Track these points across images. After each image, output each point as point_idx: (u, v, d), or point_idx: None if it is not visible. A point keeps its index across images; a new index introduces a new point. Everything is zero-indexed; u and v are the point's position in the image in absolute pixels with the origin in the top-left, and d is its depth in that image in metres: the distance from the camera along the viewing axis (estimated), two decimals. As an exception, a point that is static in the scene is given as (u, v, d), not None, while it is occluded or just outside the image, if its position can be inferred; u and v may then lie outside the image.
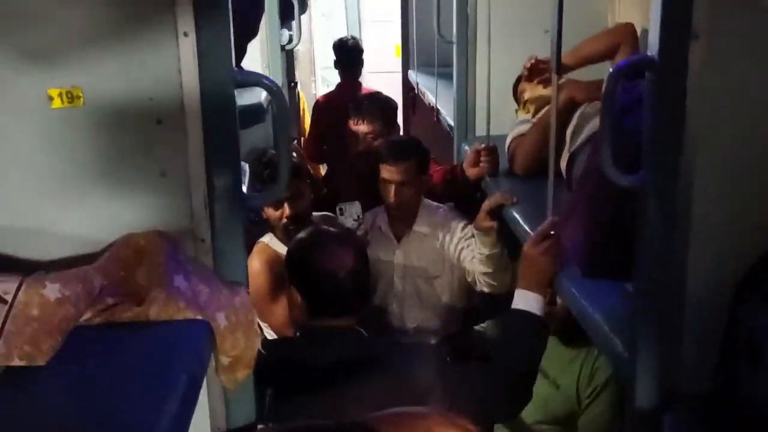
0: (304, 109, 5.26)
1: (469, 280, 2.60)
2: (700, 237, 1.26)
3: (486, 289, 2.53)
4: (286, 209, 2.51)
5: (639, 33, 2.52)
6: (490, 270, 2.45)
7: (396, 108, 3.30)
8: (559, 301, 2.19)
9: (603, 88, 1.32)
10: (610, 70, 2.63)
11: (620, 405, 2.44)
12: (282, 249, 2.38)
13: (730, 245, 1.27)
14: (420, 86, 4.19)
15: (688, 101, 1.22)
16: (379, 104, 3.19)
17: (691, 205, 1.25)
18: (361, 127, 3.11)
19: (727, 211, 1.26)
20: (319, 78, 7.00)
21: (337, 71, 4.31)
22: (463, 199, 2.80)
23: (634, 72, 1.35)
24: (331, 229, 2.06)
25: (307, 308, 1.85)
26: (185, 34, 1.14)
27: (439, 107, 3.59)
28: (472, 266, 2.52)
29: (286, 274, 1.93)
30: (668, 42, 1.21)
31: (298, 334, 1.94)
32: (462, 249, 2.61)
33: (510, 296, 1.98)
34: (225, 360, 1.13)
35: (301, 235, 1.97)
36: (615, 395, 2.42)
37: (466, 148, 2.89)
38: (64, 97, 1.14)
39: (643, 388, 1.37)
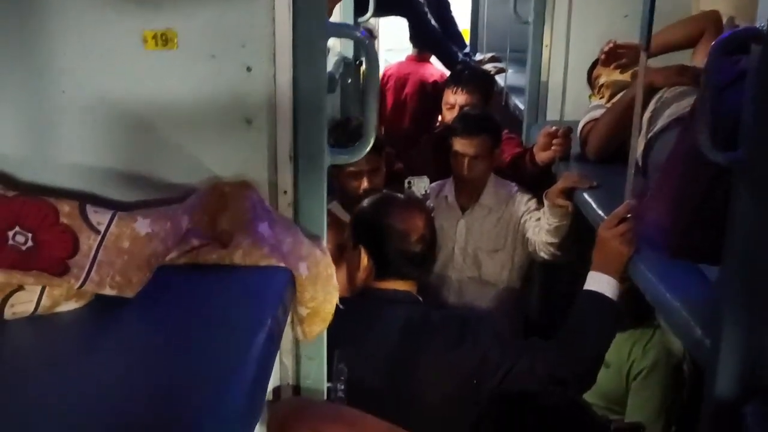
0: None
1: (530, 249, 2.58)
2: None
3: (547, 257, 2.52)
4: (365, 182, 2.52)
5: (724, 21, 2.44)
6: (556, 240, 2.43)
7: (493, 82, 3.25)
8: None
9: (704, 62, 1.26)
10: (690, 58, 2.55)
11: (670, 389, 2.39)
12: (345, 216, 2.39)
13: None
14: (488, 70, 4.15)
15: (797, 77, 1.16)
16: (479, 75, 3.15)
17: (789, 186, 1.19)
18: (459, 98, 3.05)
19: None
20: (382, 60, 6.98)
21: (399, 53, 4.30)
22: (529, 183, 2.76)
23: (737, 47, 1.29)
24: (401, 195, 2.13)
25: (374, 268, 1.89)
26: (281, -18, 1.12)
27: (507, 91, 3.55)
28: (537, 236, 2.50)
29: (352, 232, 1.98)
30: (779, 14, 1.16)
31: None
32: (525, 221, 2.59)
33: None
34: (303, 311, 1.12)
35: (374, 197, 2.05)
36: (665, 378, 2.36)
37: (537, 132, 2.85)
38: (159, 39, 1.13)
39: (724, 377, 1.32)
